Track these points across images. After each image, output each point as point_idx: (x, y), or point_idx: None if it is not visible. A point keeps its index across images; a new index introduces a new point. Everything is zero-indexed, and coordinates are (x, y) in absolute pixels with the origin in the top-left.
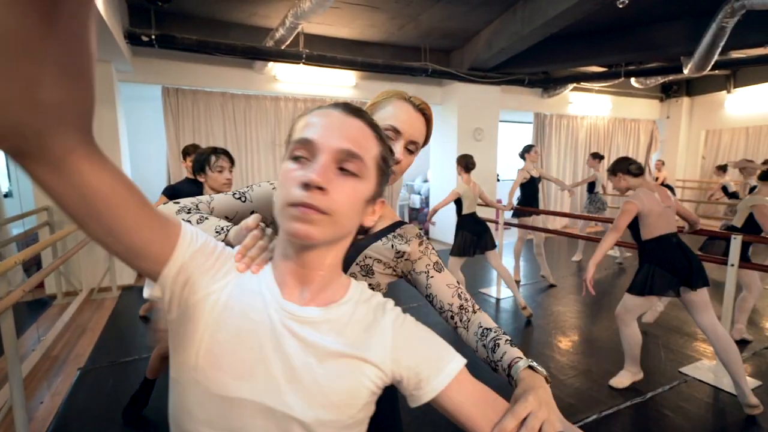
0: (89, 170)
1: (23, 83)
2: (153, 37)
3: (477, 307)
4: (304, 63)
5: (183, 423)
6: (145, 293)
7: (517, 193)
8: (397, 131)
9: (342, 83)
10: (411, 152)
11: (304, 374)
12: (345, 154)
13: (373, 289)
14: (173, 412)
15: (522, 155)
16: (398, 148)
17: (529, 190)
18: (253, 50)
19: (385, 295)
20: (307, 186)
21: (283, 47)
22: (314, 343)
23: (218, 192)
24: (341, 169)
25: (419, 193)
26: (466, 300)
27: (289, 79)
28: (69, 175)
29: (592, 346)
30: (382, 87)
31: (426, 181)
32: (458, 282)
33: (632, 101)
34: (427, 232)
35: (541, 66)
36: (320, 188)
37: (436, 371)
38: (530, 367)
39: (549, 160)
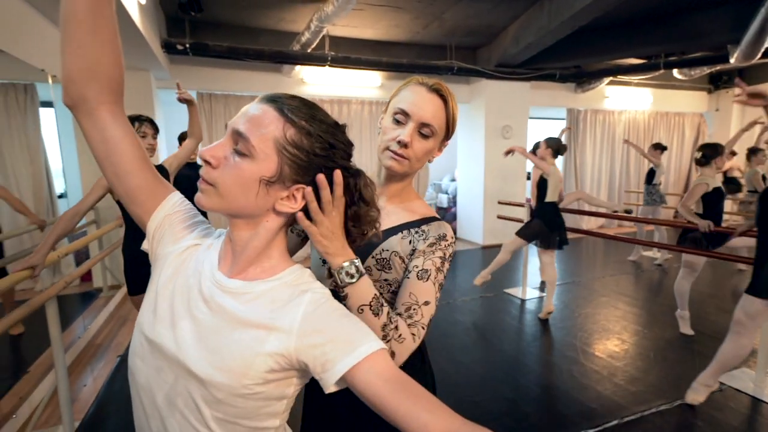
0: (111, 121)
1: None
2: (187, 45)
3: (412, 321)
4: (329, 65)
5: (131, 356)
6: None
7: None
8: (405, 113)
9: (368, 84)
10: (425, 136)
11: (211, 336)
12: (236, 135)
13: (390, 285)
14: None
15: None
16: (407, 130)
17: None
18: (280, 54)
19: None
20: (205, 162)
21: (309, 50)
22: (229, 311)
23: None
24: (234, 149)
25: (447, 192)
26: (410, 311)
27: (316, 81)
28: (96, 121)
29: (619, 351)
30: None
31: (454, 180)
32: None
33: (676, 94)
34: (454, 231)
35: (573, 60)
36: (209, 163)
37: (344, 353)
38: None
39: (583, 157)
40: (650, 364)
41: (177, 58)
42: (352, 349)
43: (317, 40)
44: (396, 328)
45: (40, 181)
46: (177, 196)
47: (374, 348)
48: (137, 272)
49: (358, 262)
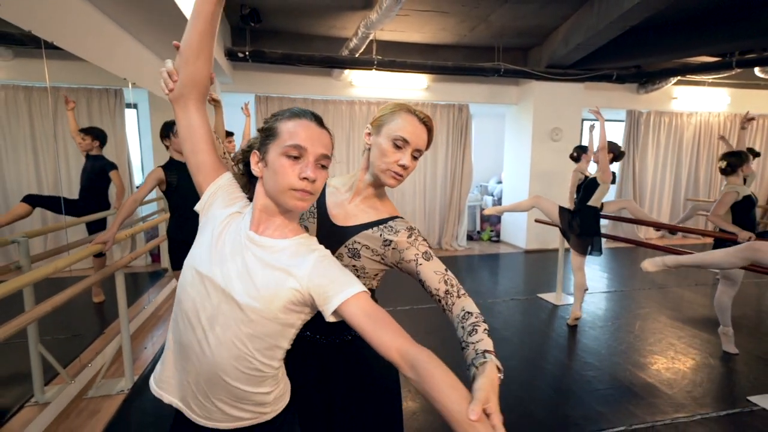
0: (195, 112)
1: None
2: (247, 53)
3: (463, 292)
4: (376, 69)
5: (180, 288)
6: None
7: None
8: (406, 141)
9: (414, 86)
10: (415, 158)
11: (249, 274)
12: (324, 157)
13: (357, 270)
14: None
15: (578, 157)
16: (407, 156)
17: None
18: (329, 60)
19: (377, 290)
20: (312, 181)
21: (357, 55)
22: (261, 257)
23: (181, 152)
24: (321, 165)
25: (492, 195)
26: (452, 286)
27: (364, 84)
28: (187, 112)
29: (646, 362)
30: (453, 89)
31: (500, 182)
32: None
33: (759, 94)
34: (498, 234)
35: (632, 60)
36: (314, 181)
37: (338, 292)
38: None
39: (644, 163)
40: (678, 378)
41: (238, 65)
42: (343, 290)
43: (364, 46)
44: (468, 314)
45: (123, 173)
46: (229, 175)
47: (358, 290)
48: (179, 251)
49: (489, 354)
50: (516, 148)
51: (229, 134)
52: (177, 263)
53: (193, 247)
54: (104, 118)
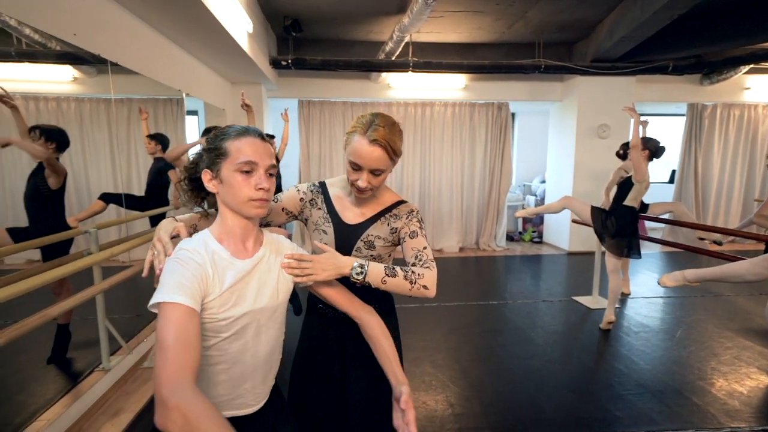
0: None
1: None
2: (290, 60)
3: (427, 265)
4: (411, 71)
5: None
6: None
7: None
8: (357, 165)
9: (452, 86)
10: (377, 175)
11: (265, 285)
12: (376, 170)
13: (374, 258)
14: None
15: (625, 154)
16: (363, 177)
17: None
18: (366, 64)
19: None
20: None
21: (393, 58)
22: (263, 270)
23: None
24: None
25: (535, 195)
26: (420, 259)
27: (402, 85)
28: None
29: (678, 369)
30: (492, 87)
31: (544, 181)
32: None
33: None
34: (540, 235)
35: (691, 49)
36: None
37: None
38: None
39: (708, 161)
40: (714, 390)
41: (282, 72)
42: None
43: (400, 48)
44: (413, 273)
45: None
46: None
47: None
48: None
49: (357, 261)
50: (560, 146)
51: (271, 136)
52: None
53: (226, 304)
54: (168, 124)
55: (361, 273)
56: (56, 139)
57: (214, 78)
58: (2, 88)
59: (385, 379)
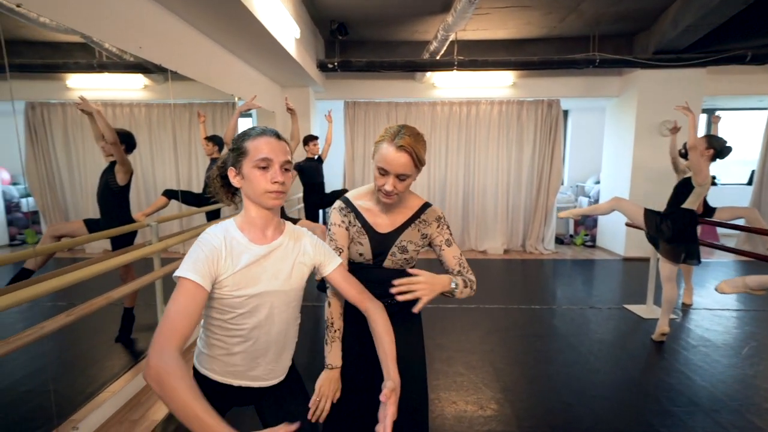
0: None
1: None
2: (336, 63)
3: (469, 272)
4: (456, 69)
5: (232, 313)
6: None
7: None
8: (384, 170)
9: (499, 84)
10: (403, 179)
11: (280, 269)
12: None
13: (407, 261)
14: None
15: (687, 153)
16: (390, 181)
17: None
18: (410, 64)
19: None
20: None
21: (437, 57)
22: (278, 256)
23: None
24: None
25: (589, 196)
26: (463, 267)
27: (447, 84)
28: None
29: (739, 390)
30: (542, 84)
31: (598, 182)
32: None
33: None
34: (593, 239)
35: None
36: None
37: (329, 262)
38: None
39: None
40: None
41: (329, 74)
42: (331, 262)
43: (444, 48)
44: (471, 281)
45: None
46: None
47: (339, 262)
48: None
49: (453, 281)
50: (616, 145)
51: (314, 137)
52: None
53: (243, 282)
54: (223, 127)
55: (456, 289)
56: (125, 141)
57: (264, 82)
58: (82, 97)
59: (414, 362)
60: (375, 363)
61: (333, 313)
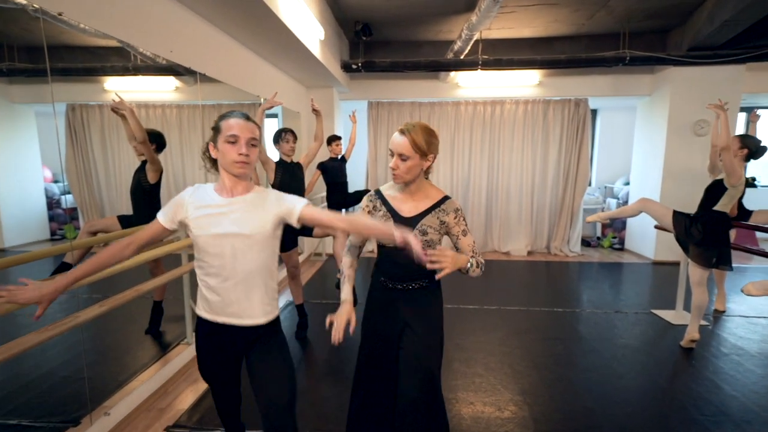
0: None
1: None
2: (360, 64)
3: (479, 257)
4: (480, 69)
5: (202, 252)
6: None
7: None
8: (391, 151)
9: (524, 83)
10: (404, 159)
11: (245, 216)
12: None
13: (427, 244)
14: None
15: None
16: (393, 160)
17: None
18: (433, 64)
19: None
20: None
21: (461, 57)
22: (246, 207)
23: (287, 155)
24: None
25: (617, 198)
26: (475, 252)
27: (471, 84)
28: None
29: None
30: (570, 82)
31: (628, 183)
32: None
33: None
34: (621, 242)
35: None
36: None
37: (295, 207)
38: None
39: None
40: None
41: (353, 75)
42: (296, 205)
43: (468, 47)
44: (479, 261)
45: (260, 170)
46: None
47: (305, 202)
48: (285, 238)
49: (470, 260)
50: (647, 145)
51: (337, 138)
52: (284, 246)
53: (205, 225)
54: None
55: (471, 267)
56: (156, 141)
57: (289, 83)
58: (118, 96)
59: (433, 336)
60: (390, 339)
61: (345, 264)
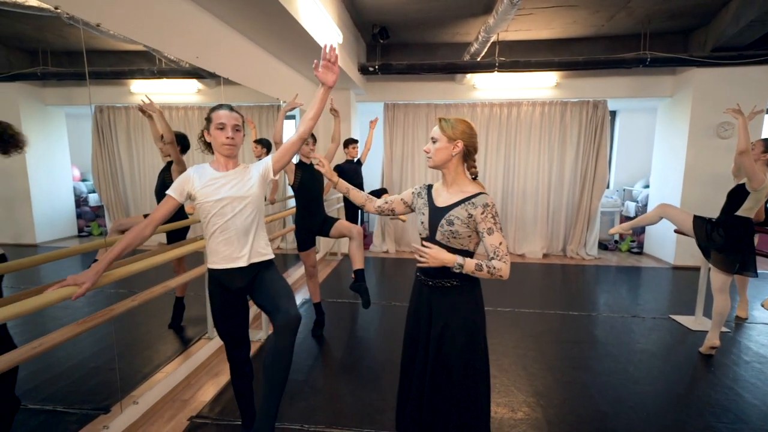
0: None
1: None
2: (377, 66)
3: (502, 258)
4: (497, 71)
5: (212, 212)
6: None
7: None
8: (431, 137)
9: (541, 84)
10: (434, 142)
11: (239, 184)
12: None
13: (453, 234)
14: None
15: None
16: (428, 144)
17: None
18: (450, 66)
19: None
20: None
21: (478, 59)
22: (238, 177)
23: (306, 157)
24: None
25: (637, 201)
26: (496, 254)
27: (487, 86)
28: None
29: None
30: (588, 84)
31: (647, 186)
32: None
33: None
34: (640, 246)
35: None
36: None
37: (266, 164)
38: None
39: None
40: None
41: (370, 77)
42: (267, 161)
43: (485, 49)
44: (493, 267)
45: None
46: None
47: (271, 156)
48: (304, 238)
49: (457, 261)
50: (668, 147)
51: (353, 141)
52: (302, 246)
53: (209, 193)
54: (269, 127)
55: (459, 268)
56: (180, 142)
57: (308, 85)
58: (148, 98)
59: (459, 331)
60: (423, 334)
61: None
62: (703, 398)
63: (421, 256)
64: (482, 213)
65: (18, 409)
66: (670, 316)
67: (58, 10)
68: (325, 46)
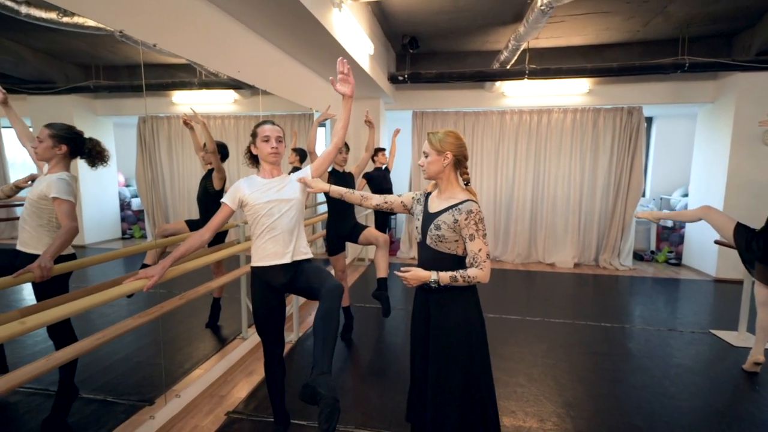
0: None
1: None
2: (406, 75)
3: (480, 266)
4: (527, 78)
5: (260, 215)
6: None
7: None
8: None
9: (573, 91)
10: (426, 156)
11: (284, 189)
12: (424, 153)
13: (440, 238)
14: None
15: None
16: (422, 159)
17: None
18: (479, 74)
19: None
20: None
21: (508, 66)
22: (283, 183)
23: (339, 165)
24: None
25: (674, 210)
26: (475, 260)
27: (517, 93)
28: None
29: None
30: (623, 90)
31: (686, 195)
32: None
33: None
34: (679, 257)
35: None
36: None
37: (307, 172)
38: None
39: None
40: None
41: (399, 86)
42: (306, 170)
43: (515, 57)
44: (468, 276)
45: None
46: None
47: (310, 165)
48: (334, 242)
49: (432, 276)
50: (709, 155)
51: (382, 149)
52: (333, 250)
53: (259, 197)
54: (302, 136)
55: (435, 284)
56: (221, 151)
57: (338, 96)
58: (192, 110)
59: (453, 332)
60: (421, 336)
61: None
62: (746, 416)
63: (404, 280)
64: (466, 219)
65: (77, 397)
66: (711, 330)
67: (120, 33)
68: (338, 62)
